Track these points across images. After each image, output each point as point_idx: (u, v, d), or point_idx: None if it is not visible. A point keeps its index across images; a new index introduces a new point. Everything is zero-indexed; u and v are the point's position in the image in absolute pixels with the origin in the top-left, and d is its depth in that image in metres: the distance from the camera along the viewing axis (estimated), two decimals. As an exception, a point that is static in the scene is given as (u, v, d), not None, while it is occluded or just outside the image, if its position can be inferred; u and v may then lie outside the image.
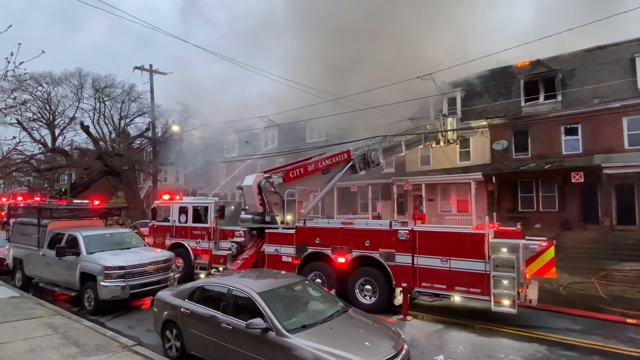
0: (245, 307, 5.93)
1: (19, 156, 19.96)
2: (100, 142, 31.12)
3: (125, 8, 16.28)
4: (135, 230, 16.27)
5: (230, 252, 11.98)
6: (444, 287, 8.65)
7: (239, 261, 11.39)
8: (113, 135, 33.65)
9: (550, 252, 8.15)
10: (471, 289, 8.32)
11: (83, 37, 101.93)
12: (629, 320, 8.85)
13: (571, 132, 19.85)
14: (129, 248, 10.94)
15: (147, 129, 31.34)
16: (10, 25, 7.00)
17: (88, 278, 9.76)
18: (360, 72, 21.43)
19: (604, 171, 16.77)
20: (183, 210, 13.65)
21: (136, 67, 25.04)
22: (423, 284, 8.91)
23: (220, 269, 12.13)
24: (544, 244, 8.25)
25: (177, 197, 15.09)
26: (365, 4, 23.09)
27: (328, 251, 10.19)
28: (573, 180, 17.57)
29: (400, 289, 9.18)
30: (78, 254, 10.17)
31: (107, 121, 33.73)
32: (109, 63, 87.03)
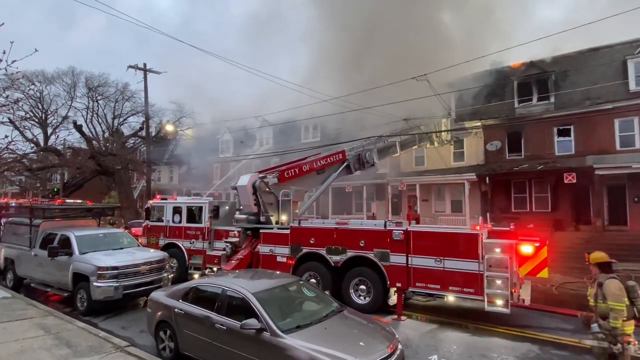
0: (239, 308, 5.91)
1: (11, 155, 19.74)
2: (94, 142, 30.92)
3: (123, 6, 16.20)
4: (127, 230, 16.14)
5: (224, 252, 11.95)
6: (438, 287, 8.68)
7: (233, 261, 11.35)
8: (106, 134, 33.46)
9: (543, 253, 8.24)
10: (465, 289, 8.36)
11: (78, 34, 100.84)
12: (620, 320, 8.92)
13: (564, 133, 20.04)
14: (122, 248, 10.85)
15: (141, 128, 31.18)
16: (3, 23, 6.93)
17: (81, 278, 9.67)
18: (366, 71, 21.26)
19: (596, 172, 16.93)
20: (177, 210, 13.57)
21: (130, 66, 24.88)
22: (417, 284, 8.94)
23: (215, 269, 12.08)
24: (537, 244, 8.32)
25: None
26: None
27: (323, 251, 10.19)
28: (566, 181, 17.72)
29: (395, 289, 9.20)
30: (71, 254, 10.08)
31: (100, 120, 33.59)
32: (103, 61, 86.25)
